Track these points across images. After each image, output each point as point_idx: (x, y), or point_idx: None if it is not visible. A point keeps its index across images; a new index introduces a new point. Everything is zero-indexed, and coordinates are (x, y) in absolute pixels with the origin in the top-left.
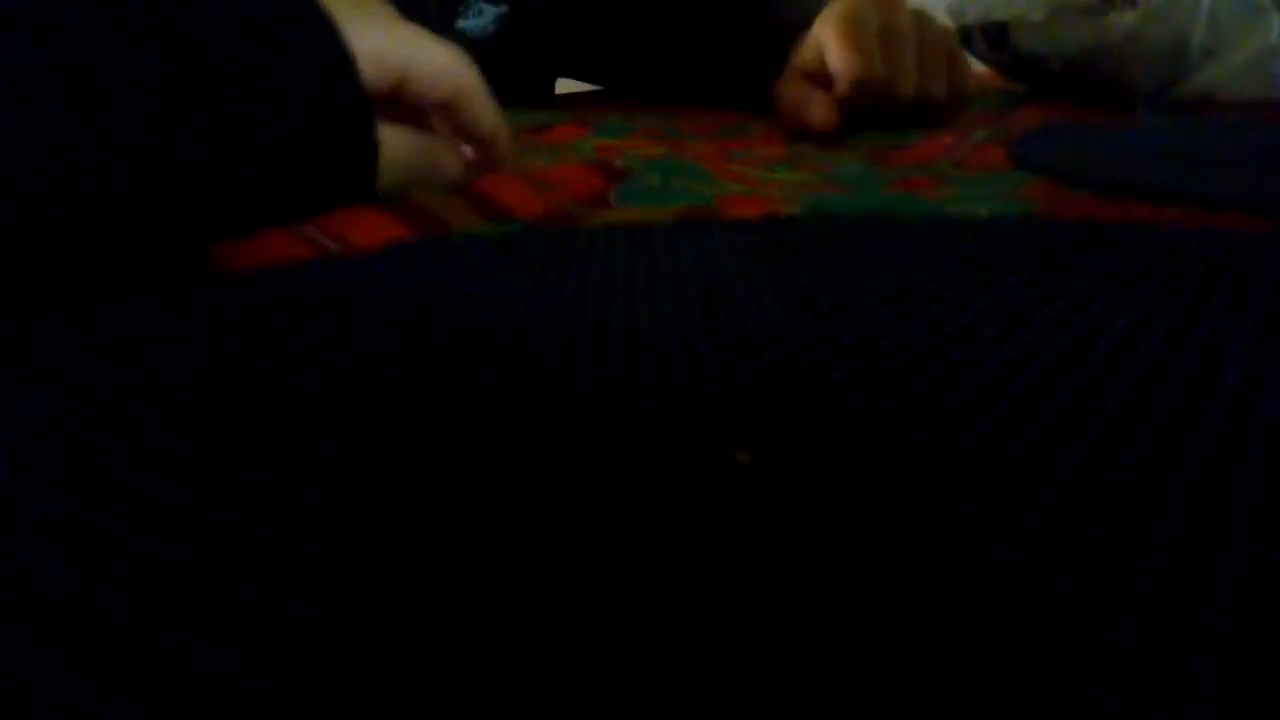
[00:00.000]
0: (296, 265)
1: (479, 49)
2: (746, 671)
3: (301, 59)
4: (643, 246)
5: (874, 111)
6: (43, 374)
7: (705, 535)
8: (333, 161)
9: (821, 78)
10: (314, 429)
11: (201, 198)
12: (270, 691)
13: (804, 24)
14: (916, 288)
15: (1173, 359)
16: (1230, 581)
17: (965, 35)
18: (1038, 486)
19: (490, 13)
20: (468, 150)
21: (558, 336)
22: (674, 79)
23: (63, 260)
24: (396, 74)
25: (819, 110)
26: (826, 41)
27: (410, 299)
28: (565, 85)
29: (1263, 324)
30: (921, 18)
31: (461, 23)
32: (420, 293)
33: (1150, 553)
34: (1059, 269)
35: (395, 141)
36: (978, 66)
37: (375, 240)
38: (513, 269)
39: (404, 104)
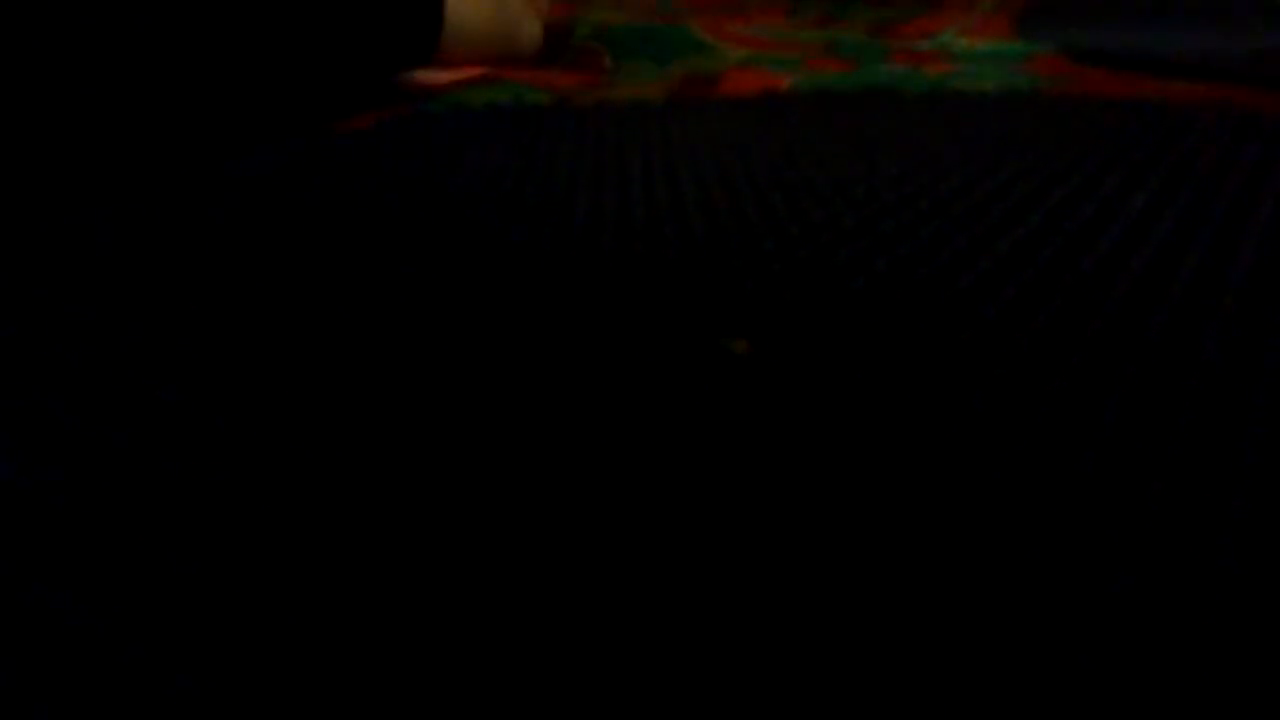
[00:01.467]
0: (289, 142)
1: None
2: (741, 584)
3: None
4: (637, 125)
5: None
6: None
7: (700, 432)
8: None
9: None
10: (302, 304)
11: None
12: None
13: None
14: (921, 168)
15: (1186, 243)
16: (1246, 463)
17: None
18: (1048, 375)
19: None
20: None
21: (548, 218)
22: None
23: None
24: None
25: None
26: None
27: (403, 175)
28: None
29: (1277, 205)
30: None
31: None
32: (413, 168)
33: (1167, 438)
34: (1067, 148)
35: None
36: None
37: None
38: (506, 145)
39: None
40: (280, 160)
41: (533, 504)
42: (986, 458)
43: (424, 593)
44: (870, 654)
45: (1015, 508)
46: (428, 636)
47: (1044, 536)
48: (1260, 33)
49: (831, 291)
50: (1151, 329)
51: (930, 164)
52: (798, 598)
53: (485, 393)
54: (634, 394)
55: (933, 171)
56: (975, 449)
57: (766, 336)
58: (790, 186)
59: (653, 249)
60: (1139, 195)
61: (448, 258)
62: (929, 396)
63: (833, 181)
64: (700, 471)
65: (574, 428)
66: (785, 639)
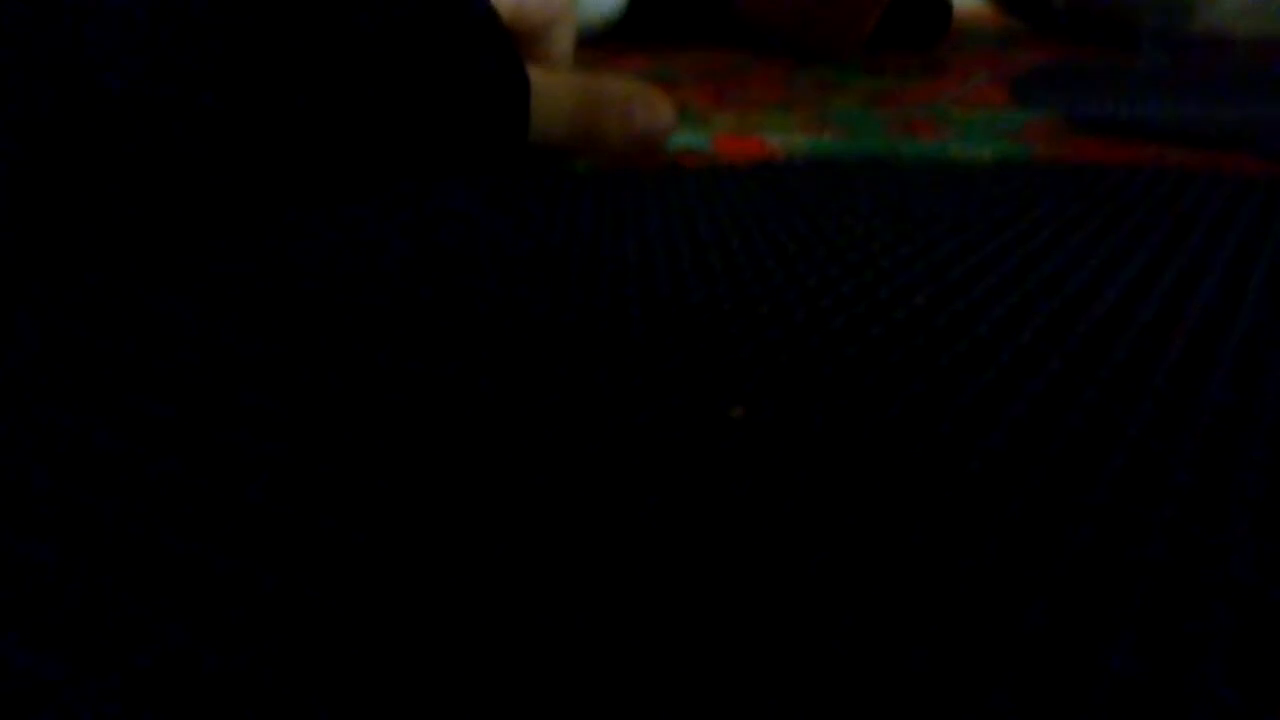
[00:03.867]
0: (308, 209)
1: None
2: (738, 627)
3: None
4: (635, 192)
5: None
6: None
7: (698, 491)
8: (482, 100)
9: None
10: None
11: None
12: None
13: None
14: (918, 234)
15: (1180, 308)
16: (1243, 523)
17: None
18: (1044, 438)
19: None
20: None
21: (547, 282)
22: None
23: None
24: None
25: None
26: None
27: (401, 242)
28: None
29: (1274, 270)
30: None
31: None
32: (412, 235)
33: (1163, 499)
34: (1064, 214)
35: (555, 87)
36: (976, 2)
37: None
38: (505, 211)
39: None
40: (314, 221)
41: (530, 560)
42: (981, 522)
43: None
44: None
45: (1008, 574)
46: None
47: (1034, 605)
48: (1252, 102)
49: (827, 357)
50: (1149, 392)
51: (926, 229)
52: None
53: (489, 457)
54: (636, 457)
55: (929, 237)
56: (970, 514)
57: (762, 400)
58: (786, 252)
59: (650, 313)
60: (1135, 259)
61: (450, 315)
62: (925, 460)
63: (829, 248)
64: (688, 537)
65: (578, 491)
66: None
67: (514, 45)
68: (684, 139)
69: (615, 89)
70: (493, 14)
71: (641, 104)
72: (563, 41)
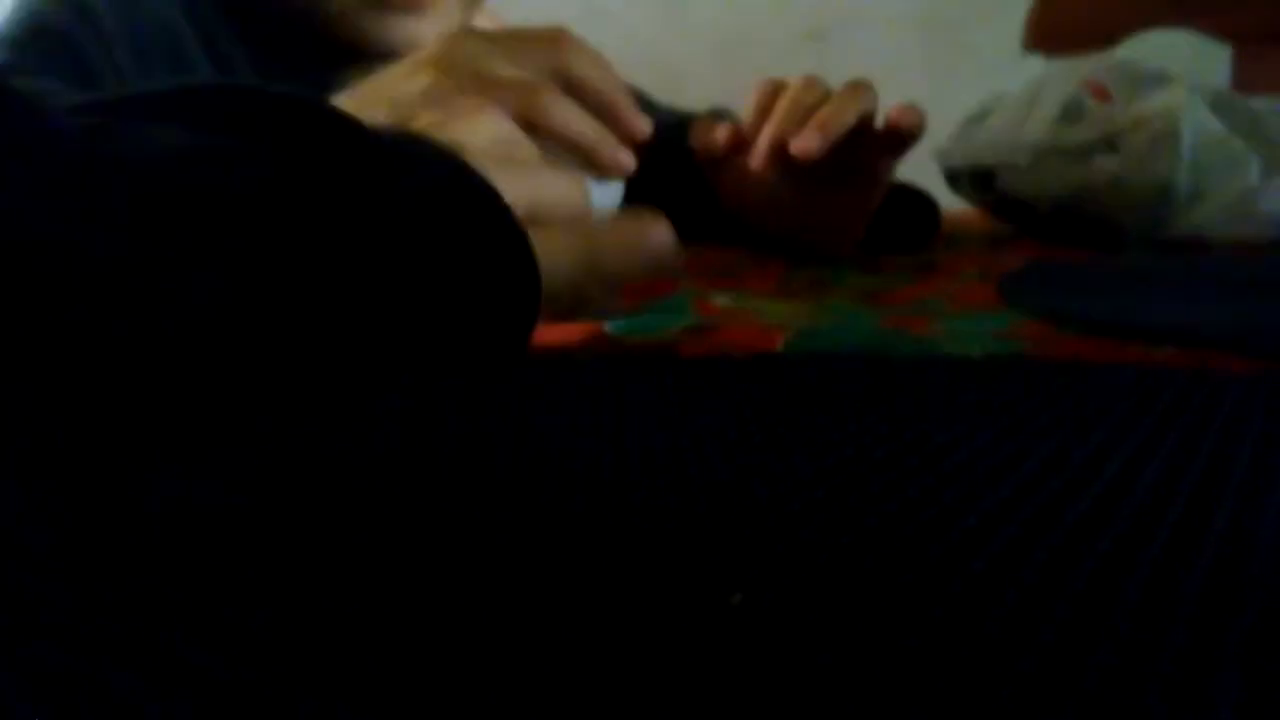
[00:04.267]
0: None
1: None
2: None
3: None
4: (631, 383)
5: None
6: None
7: (699, 673)
8: (495, 301)
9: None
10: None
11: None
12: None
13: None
14: (908, 428)
15: (1165, 501)
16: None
17: (952, 178)
18: (1032, 633)
19: None
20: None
21: (539, 474)
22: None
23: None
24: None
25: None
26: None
27: (389, 437)
28: None
29: (1255, 465)
30: None
31: None
32: (414, 437)
33: (1149, 686)
34: (1051, 410)
35: (546, 246)
36: (965, 206)
37: None
38: (496, 400)
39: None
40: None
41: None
42: (973, 710)
43: None
44: None
45: None
46: None
47: None
48: (1234, 300)
49: (821, 545)
50: (1132, 585)
51: (918, 423)
52: None
53: (485, 655)
54: (635, 644)
55: (920, 430)
56: (964, 702)
57: (759, 587)
58: (782, 444)
59: (648, 502)
60: (1120, 453)
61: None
62: (919, 646)
63: (823, 440)
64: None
65: (575, 685)
66: None
67: (530, 247)
68: (683, 320)
69: (606, 225)
70: (513, 219)
71: (637, 226)
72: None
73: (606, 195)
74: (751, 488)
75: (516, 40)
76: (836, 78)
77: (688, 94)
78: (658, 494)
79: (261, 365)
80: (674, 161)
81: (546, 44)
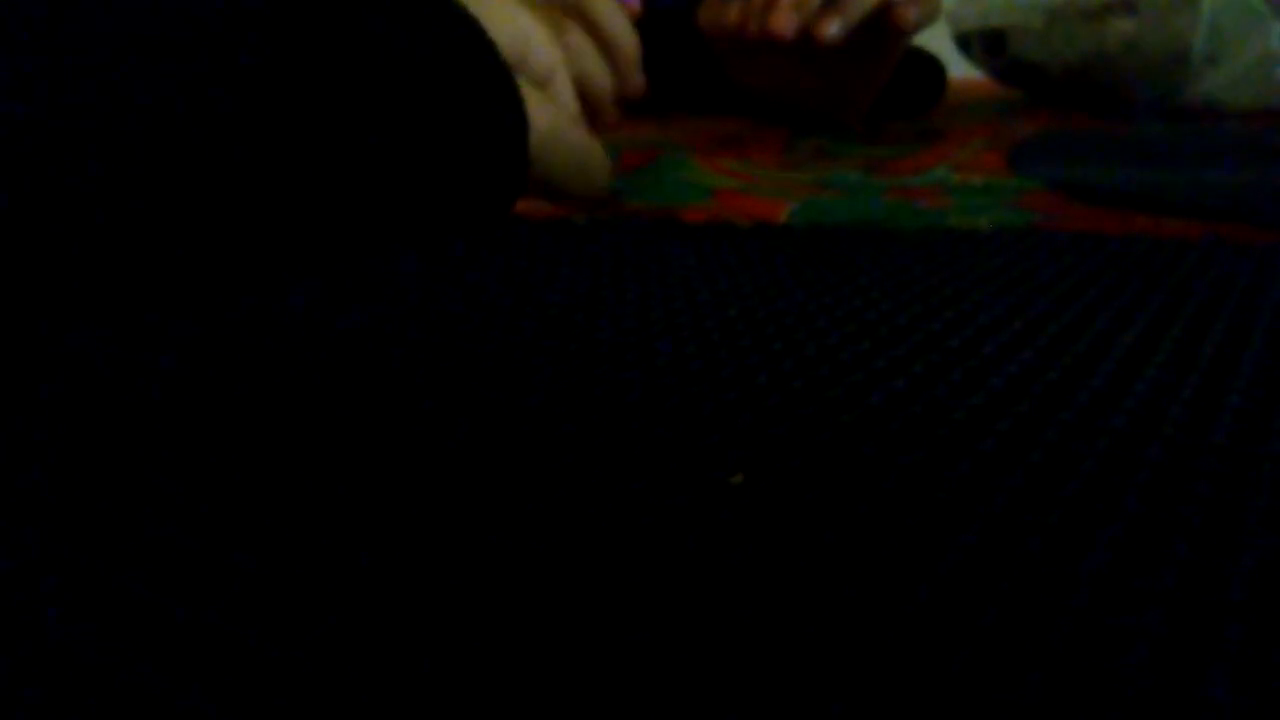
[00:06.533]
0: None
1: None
2: (737, 699)
3: (440, 38)
4: (635, 250)
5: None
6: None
7: (698, 556)
8: (482, 141)
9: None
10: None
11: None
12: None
13: None
14: (915, 303)
15: (1180, 375)
16: (1240, 592)
17: (962, 42)
18: (1043, 507)
19: None
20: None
21: (543, 346)
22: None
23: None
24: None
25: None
26: None
27: (389, 305)
28: None
29: (1271, 336)
30: None
31: None
32: (407, 294)
33: (1159, 577)
34: (1061, 283)
35: (543, 119)
36: (974, 73)
37: None
38: (500, 267)
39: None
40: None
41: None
42: (978, 593)
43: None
44: None
45: (1005, 643)
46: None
47: (1032, 675)
48: (1248, 170)
49: (825, 424)
50: (1146, 463)
51: (924, 299)
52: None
53: (483, 529)
54: (635, 525)
55: (926, 306)
56: (968, 584)
57: (761, 468)
58: (784, 320)
59: (649, 380)
60: (1133, 328)
61: (442, 375)
62: (923, 528)
63: (827, 316)
64: (689, 609)
65: (573, 565)
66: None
67: (519, 92)
68: (687, 194)
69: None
70: (501, 62)
71: (600, 161)
72: (564, 93)
73: None
74: (752, 365)
75: None
76: None
77: None
78: (655, 373)
79: (257, 200)
80: (680, 35)
81: None
